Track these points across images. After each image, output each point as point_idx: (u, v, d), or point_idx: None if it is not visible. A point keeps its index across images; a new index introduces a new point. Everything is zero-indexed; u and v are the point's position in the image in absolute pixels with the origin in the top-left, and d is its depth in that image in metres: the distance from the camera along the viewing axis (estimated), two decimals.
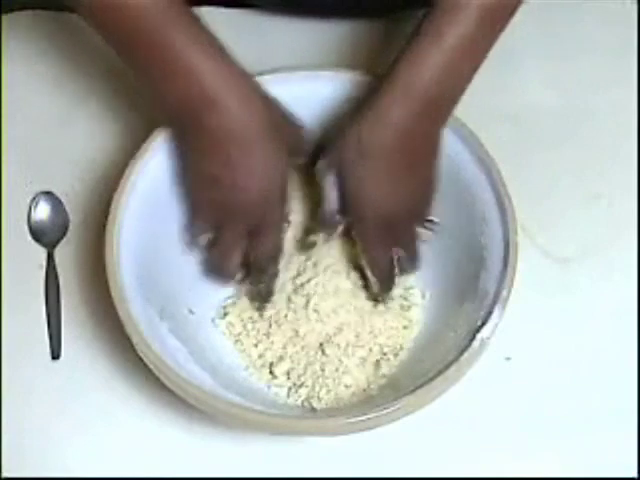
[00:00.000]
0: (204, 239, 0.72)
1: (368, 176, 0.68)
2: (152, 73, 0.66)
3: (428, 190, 0.70)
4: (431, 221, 0.72)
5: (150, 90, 0.68)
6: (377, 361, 0.71)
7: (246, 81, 0.67)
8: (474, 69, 0.66)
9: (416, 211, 0.71)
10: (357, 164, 0.68)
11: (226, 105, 0.65)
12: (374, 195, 0.68)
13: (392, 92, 0.66)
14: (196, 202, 0.71)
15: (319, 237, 0.73)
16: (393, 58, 0.67)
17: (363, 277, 0.73)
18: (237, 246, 0.71)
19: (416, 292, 0.74)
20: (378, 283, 0.72)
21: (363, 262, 0.72)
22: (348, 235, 0.73)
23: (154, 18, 0.64)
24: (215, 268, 0.73)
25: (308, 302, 0.72)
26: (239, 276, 0.73)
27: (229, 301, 0.75)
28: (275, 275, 0.72)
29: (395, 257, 0.71)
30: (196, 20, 0.66)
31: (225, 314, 0.74)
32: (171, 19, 0.64)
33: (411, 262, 0.73)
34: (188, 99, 0.65)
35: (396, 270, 0.72)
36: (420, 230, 0.72)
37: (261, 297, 0.73)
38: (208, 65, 0.65)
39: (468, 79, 0.67)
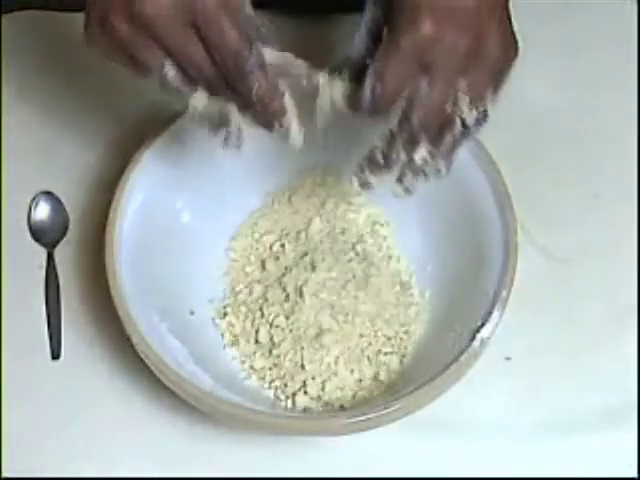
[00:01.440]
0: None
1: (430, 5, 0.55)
2: None
3: (508, 41, 0.58)
4: (485, 112, 0.59)
5: None
6: (377, 361, 0.71)
7: None
8: None
9: (486, 54, 0.56)
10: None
11: None
12: (436, 19, 0.55)
13: None
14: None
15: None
16: None
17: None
18: (188, 38, 0.56)
19: (415, 292, 0.74)
20: (371, 90, 0.57)
21: (369, 71, 0.57)
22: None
23: None
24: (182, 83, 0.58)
25: (309, 303, 0.72)
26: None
27: (229, 301, 0.75)
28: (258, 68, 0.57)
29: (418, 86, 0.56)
30: None
31: (225, 314, 0.74)
32: None
33: (415, 128, 0.58)
34: None
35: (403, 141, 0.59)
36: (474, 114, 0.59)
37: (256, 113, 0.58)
38: None
39: None
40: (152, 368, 0.65)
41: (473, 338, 0.64)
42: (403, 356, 0.71)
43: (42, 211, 0.80)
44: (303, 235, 0.77)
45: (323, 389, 0.70)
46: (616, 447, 0.71)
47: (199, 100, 0.58)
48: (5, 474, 0.70)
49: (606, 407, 0.72)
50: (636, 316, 0.75)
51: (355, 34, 0.60)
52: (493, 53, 0.57)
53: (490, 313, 0.65)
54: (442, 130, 0.59)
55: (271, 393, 0.71)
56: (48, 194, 0.81)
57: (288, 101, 0.58)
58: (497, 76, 0.59)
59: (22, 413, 0.72)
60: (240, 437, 0.71)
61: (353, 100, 0.59)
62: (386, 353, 0.71)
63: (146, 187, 0.71)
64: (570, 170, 0.82)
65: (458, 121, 0.58)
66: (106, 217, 0.69)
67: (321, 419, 0.67)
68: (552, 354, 0.74)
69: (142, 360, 0.65)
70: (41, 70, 0.87)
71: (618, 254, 0.78)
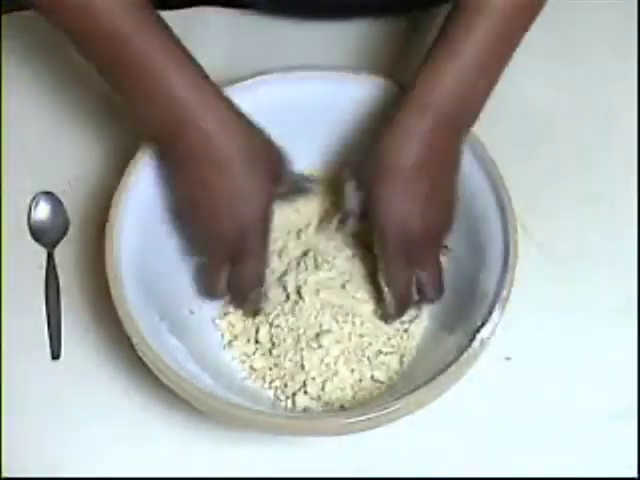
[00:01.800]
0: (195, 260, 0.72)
1: (390, 193, 0.67)
2: (123, 86, 0.65)
3: (449, 210, 0.69)
4: (445, 246, 0.72)
5: (127, 105, 0.67)
6: (377, 361, 0.71)
7: (225, 104, 0.66)
8: (490, 86, 0.67)
9: (436, 231, 0.70)
10: (379, 180, 0.67)
11: (205, 127, 0.65)
12: (396, 211, 0.67)
13: (409, 107, 0.66)
14: (181, 225, 0.71)
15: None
16: (404, 65, 0.67)
17: (378, 295, 0.72)
18: (219, 271, 0.70)
19: (416, 292, 0.74)
20: (394, 303, 0.70)
21: (381, 279, 0.70)
22: (357, 244, 0.74)
23: (120, 21, 0.62)
24: (203, 290, 0.73)
25: (309, 303, 0.72)
26: (227, 298, 0.73)
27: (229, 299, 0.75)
28: (259, 299, 0.72)
29: (413, 279, 0.70)
30: (165, 27, 0.64)
31: (225, 314, 0.74)
32: (139, 23, 0.63)
33: (434, 290, 0.71)
34: (167, 120, 0.65)
35: (415, 295, 0.71)
36: (441, 257, 0.71)
37: (249, 313, 0.73)
38: (184, 83, 0.64)
39: (485, 96, 0.67)
40: (151, 368, 0.64)
41: (473, 338, 0.64)
42: (403, 356, 0.71)
43: (42, 211, 0.80)
44: (303, 235, 0.77)
45: (323, 389, 0.70)
46: (616, 447, 0.71)
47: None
48: (5, 474, 0.70)
49: (606, 407, 0.72)
50: (636, 316, 0.75)
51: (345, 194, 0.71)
52: (449, 224, 0.70)
53: (490, 313, 0.65)
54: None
55: (271, 393, 0.71)
56: (48, 194, 0.81)
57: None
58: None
59: (22, 413, 0.72)
60: (240, 437, 0.71)
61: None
62: (386, 353, 0.71)
63: (146, 187, 0.71)
64: (570, 170, 0.82)
65: None
66: (106, 217, 0.69)
67: (321, 419, 0.67)
68: (552, 354, 0.74)
69: (142, 360, 0.65)
70: (41, 70, 0.87)
71: (618, 254, 0.78)
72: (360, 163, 0.69)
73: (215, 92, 0.66)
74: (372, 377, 0.71)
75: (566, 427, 0.71)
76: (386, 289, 0.70)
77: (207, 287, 0.72)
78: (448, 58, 0.65)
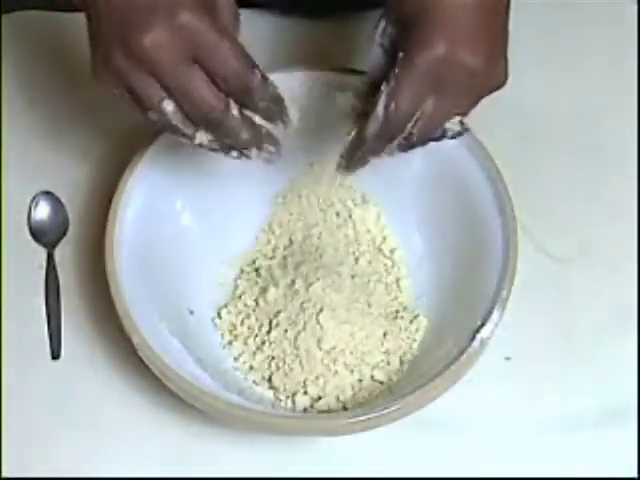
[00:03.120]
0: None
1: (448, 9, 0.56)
2: None
3: (503, 66, 0.60)
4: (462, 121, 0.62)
5: None
6: (378, 361, 0.71)
7: None
8: None
9: (484, 78, 0.59)
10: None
11: None
12: (447, 14, 0.56)
13: None
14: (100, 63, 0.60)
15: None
16: None
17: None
18: (193, 74, 0.56)
19: (416, 292, 0.74)
20: (385, 120, 0.58)
21: (384, 89, 0.57)
22: None
23: None
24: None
25: (309, 303, 0.72)
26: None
27: (229, 301, 0.75)
28: (265, 91, 0.59)
29: (419, 111, 0.58)
30: None
31: (225, 314, 0.74)
32: None
33: (425, 132, 0.59)
34: None
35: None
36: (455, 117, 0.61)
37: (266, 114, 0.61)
38: None
39: None
40: (152, 368, 0.64)
41: (473, 338, 0.64)
42: (403, 356, 0.71)
43: (42, 211, 0.80)
44: (304, 236, 0.77)
45: (323, 389, 0.70)
46: (616, 447, 0.71)
47: (203, 137, 0.60)
48: (5, 474, 0.70)
49: (606, 407, 0.72)
50: (636, 316, 0.75)
51: (369, 50, 0.61)
52: (496, 78, 0.60)
53: (490, 313, 0.65)
54: (430, 139, 0.61)
55: (271, 393, 0.71)
56: (48, 194, 0.81)
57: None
58: (485, 96, 0.61)
59: (22, 413, 0.72)
60: (240, 437, 0.71)
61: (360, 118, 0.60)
62: (386, 353, 0.71)
63: (146, 187, 0.71)
64: (570, 170, 0.82)
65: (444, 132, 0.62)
66: (106, 217, 0.69)
67: (321, 419, 0.67)
68: (552, 354, 0.74)
69: (142, 360, 0.65)
70: (41, 70, 0.87)
71: (618, 254, 0.78)
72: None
73: None
74: (372, 377, 0.71)
75: (566, 427, 0.71)
76: (384, 97, 0.58)
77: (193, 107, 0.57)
78: None
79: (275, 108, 0.60)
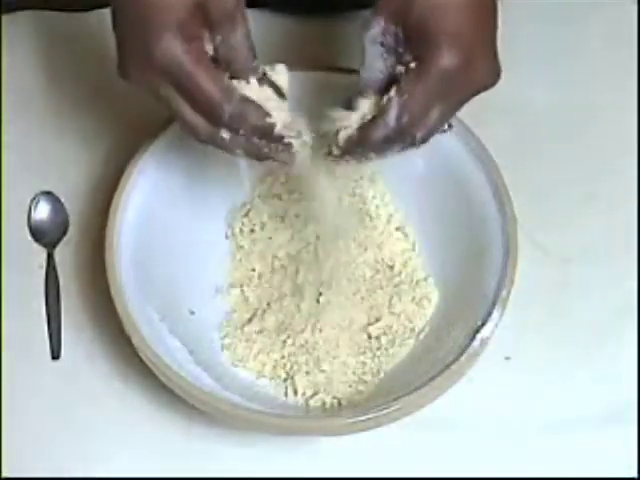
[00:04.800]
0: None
1: (449, 15, 0.58)
2: None
3: (495, 62, 0.61)
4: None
5: None
6: (378, 361, 0.71)
7: None
8: None
9: (481, 81, 0.60)
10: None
11: None
12: (452, 20, 0.57)
13: None
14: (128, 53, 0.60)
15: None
16: None
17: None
18: (202, 51, 0.58)
19: (416, 292, 0.74)
20: (395, 126, 0.58)
21: (393, 97, 0.58)
22: None
23: None
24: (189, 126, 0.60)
25: (310, 303, 0.72)
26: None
27: (229, 301, 0.75)
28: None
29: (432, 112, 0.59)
30: None
31: (225, 314, 0.74)
32: None
33: (421, 132, 0.60)
34: None
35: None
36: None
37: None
38: None
39: None
40: (152, 368, 0.65)
41: (473, 338, 0.64)
42: (403, 355, 0.71)
43: (42, 211, 0.80)
44: (305, 234, 0.76)
45: (323, 389, 0.70)
46: (616, 447, 0.71)
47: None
48: (5, 474, 0.70)
49: (606, 407, 0.72)
50: (636, 316, 0.75)
51: (365, 48, 0.61)
52: (491, 81, 0.61)
53: (490, 313, 0.65)
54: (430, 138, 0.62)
55: (271, 393, 0.71)
56: (48, 194, 0.81)
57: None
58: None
59: (22, 413, 0.72)
60: (240, 437, 0.71)
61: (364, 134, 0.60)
62: (387, 352, 0.71)
63: (146, 187, 0.71)
64: (570, 170, 0.82)
65: None
66: (106, 217, 0.69)
67: (321, 419, 0.67)
68: (552, 354, 0.74)
69: (142, 360, 0.65)
70: (41, 70, 0.87)
71: (618, 254, 0.78)
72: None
73: None
74: (372, 377, 0.71)
75: (566, 427, 0.71)
76: (395, 104, 0.58)
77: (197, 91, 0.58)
78: None
79: (260, 132, 0.60)
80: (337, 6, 0.87)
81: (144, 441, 0.71)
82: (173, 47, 0.57)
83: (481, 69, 0.60)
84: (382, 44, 0.60)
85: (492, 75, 0.61)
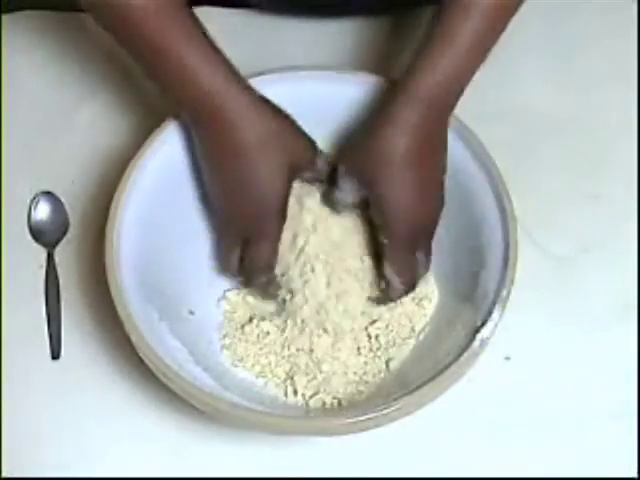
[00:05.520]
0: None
1: (392, 186, 0.69)
2: (159, 78, 0.69)
3: (442, 192, 0.71)
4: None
5: (161, 91, 0.70)
6: (378, 361, 0.71)
7: (250, 95, 0.69)
8: (479, 67, 0.68)
9: (436, 213, 0.71)
10: (379, 175, 0.69)
11: (228, 117, 0.68)
12: (401, 203, 0.69)
13: (401, 100, 0.68)
14: (209, 203, 0.74)
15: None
16: (405, 64, 0.68)
17: (378, 284, 0.73)
18: (232, 250, 0.72)
19: (416, 292, 0.74)
20: (403, 288, 0.71)
21: (388, 270, 0.70)
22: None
23: (155, 19, 0.65)
24: (218, 265, 0.75)
25: (310, 303, 0.72)
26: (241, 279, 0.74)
27: (229, 301, 0.75)
28: (270, 282, 0.72)
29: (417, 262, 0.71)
30: (195, 21, 0.67)
31: (225, 314, 0.74)
32: (172, 20, 0.66)
33: (426, 263, 0.72)
34: (197, 109, 0.68)
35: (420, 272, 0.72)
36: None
37: (261, 294, 0.74)
38: (214, 77, 0.67)
39: (472, 76, 0.68)
40: (152, 368, 0.64)
41: (473, 338, 0.64)
42: (403, 356, 0.71)
43: (42, 211, 0.80)
44: (306, 234, 0.76)
45: (323, 389, 0.70)
46: (616, 447, 0.71)
47: None
48: (5, 474, 0.70)
49: (606, 407, 0.72)
50: (636, 316, 0.75)
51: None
52: (442, 205, 0.71)
53: (490, 313, 0.65)
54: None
55: (271, 393, 0.71)
56: (48, 194, 0.81)
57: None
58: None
59: (22, 413, 0.72)
60: (240, 437, 0.71)
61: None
62: (387, 353, 0.71)
63: (146, 187, 0.71)
64: (570, 170, 0.82)
65: None
66: (106, 217, 0.69)
67: (321, 419, 0.67)
68: (552, 354, 0.74)
69: (142, 360, 0.65)
70: (41, 70, 0.87)
71: (618, 254, 0.78)
72: (352, 154, 0.71)
73: (241, 84, 0.69)
74: (373, 377, 0.71)
75: (566, 427, 0.71)
76: (395, 279, 0.71)
77: (221, 263, 0.74)
78: (444, 45, 0.67)
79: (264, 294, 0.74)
80: (338, 7, 0.88)
81: (144, 441, 0.71)
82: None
83: (431, 216, 0.71)
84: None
85: (439, 210, 0.71)
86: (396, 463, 0.70)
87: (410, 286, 0.71)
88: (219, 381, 0.67)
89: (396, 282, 0.71)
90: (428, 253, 0.72)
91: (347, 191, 0.71)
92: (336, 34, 0.88)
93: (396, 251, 0.70)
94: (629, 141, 0.83)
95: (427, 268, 0.72)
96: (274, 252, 0.72)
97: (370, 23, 0.89)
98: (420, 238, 0.71)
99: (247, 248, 0.71)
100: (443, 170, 0.70)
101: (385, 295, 0.72)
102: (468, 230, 0.71)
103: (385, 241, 0.70)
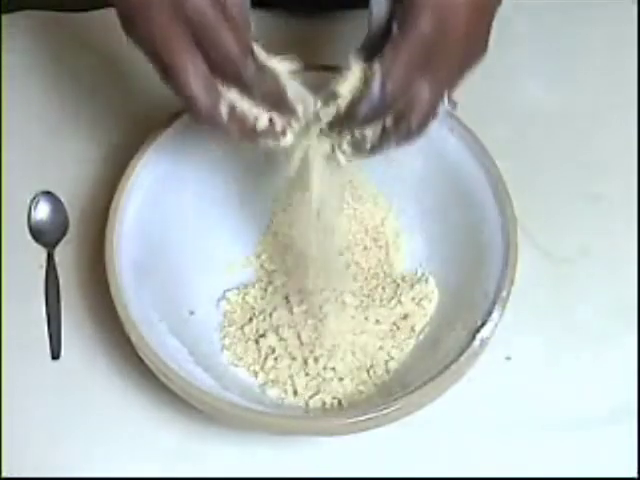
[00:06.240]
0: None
1: None
2: None
3: (487, 35, 0.59)
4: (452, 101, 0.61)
5: None
6: (378, 361, 0.71)
7: None
8: None
9: (470, 55, 0.58)
10: None
11: None
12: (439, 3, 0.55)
13: None
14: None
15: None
16: None
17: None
18: (191, 64, 0.56)
19: (416, 293, 0.74)
20: (385, 101, 0.57)
21: (376, 66, 0.57)
22: None
23: None
24: (188, 106, 0.58)
25: (310, 303, 0.72)
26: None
27: (229, 301, 0.75)
28: (260, 71, 0.58)
29: (412, 93, 0.57)
30: None
31: (225, 314, 0.74)
32: None
33: (413, 125, 0.58)
34: None
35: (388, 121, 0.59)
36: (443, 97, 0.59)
37: (253, 92, 0.59)
38: None
39: None
40: (152, 368, 0.64)
41: (473, 338, 0.64)
42: (403, 355, 0.71)
43: (42, 211, 0.80)
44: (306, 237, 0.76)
45: (323, 389, 0.70)
46: (616, 447, 0.71)
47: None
48: (5, 474, 0.70)
49: (606, 407, 0.72)
50: (636, 316, 0.75)
51: (368, 20, 0.60)
52: (480, 54, 0.59)
53: (490, 313, 0.65)
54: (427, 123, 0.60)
55: (271, 393, 0.71)
56: (48, 194, 0.81)
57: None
58: (469, 69, 0.60)
59: (22, 413, 0.72)
60: (240, 437, 0.71)
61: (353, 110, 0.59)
62: (387, 353, 0.71)
63: (146, 187, 0.71)
64: (570, 170, 0.82)
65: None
66: (106, 217, 0.69)
67: (321, 419, 0.67)
68: (552, 354, 0.74)
69: (142, 360, 0.65)
70: (41, 70, 0.87)
71: (618, 254, 0.78)
72: None
73: None
74: (372, 376, 0.71)
75: (566, 427, 0.71)
76: (378, 76, 0.57)
77: (187, 100, 0.57)
78: None
79: (273, 99, 0.59)
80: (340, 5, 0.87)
81: (144, 441, 0.71)
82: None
83: (476, 42, 0.58)
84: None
85: (480, 50, 0.59)
86: (396, 463, 0.70)
87: (391, 100, 0.57)
88: (219, 381, 0.67)
89: (377, 83, 0.56)
90: (431, 96, 0.57)
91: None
92: (337, 34, 0.88)
93: (400, 48, 0.56)
94: (629, 141, 0.83)
95: (417, 117, 0.57)
96: (241, 39, 0.57)
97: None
98: (439, 62, 0.57)
99: (206, 51, 0.57)
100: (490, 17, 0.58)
101: (347, 109, 0.58)
102: (468, 230, 0.71)
103: (395, 32, 0.56)
